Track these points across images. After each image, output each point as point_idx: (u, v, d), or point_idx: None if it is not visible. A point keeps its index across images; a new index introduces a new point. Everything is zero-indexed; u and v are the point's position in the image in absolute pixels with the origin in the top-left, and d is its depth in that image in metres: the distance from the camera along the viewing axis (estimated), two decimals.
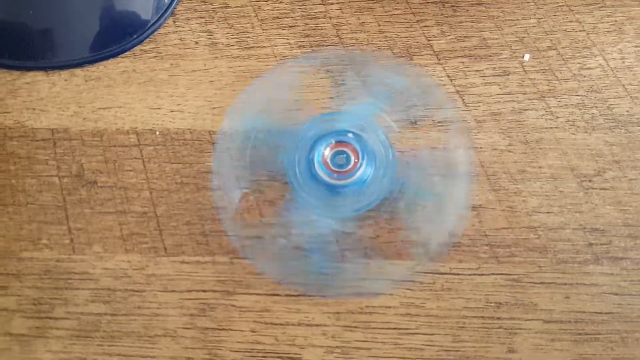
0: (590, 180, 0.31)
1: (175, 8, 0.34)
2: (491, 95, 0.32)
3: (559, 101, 0.32)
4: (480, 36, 0.33)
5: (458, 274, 0.30)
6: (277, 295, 0.30)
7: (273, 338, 0.29)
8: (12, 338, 0.30)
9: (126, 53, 0.33)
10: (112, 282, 0.30)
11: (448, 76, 0.32)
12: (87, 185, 0.32)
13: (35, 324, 0.30)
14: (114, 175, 0.32)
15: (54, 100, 0.33)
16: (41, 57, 0.33)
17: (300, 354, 0.29)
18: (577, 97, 0.32)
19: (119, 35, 0.34)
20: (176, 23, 0.34)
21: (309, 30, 0.33)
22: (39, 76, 0.33)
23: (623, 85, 0.32)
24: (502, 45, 0.33)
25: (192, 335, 0.30)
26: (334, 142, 0.29)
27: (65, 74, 0.33)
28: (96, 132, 0.32)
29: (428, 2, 0.33)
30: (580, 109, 0.32)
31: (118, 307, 0.30)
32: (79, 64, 0.33)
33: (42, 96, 0.33)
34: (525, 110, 0.32)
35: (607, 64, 0.32)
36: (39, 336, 0.30)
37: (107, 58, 0.33)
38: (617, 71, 0.32)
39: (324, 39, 0.33)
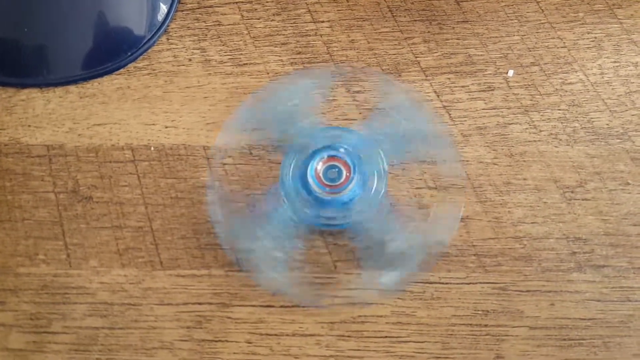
0: (572, 192, 0.32)
1: (168, 26, 0.35)
2: (477, 110, 0.33)
3: (542, 115, 0.33)
4: (466, 53, 0.34)
5: (447, 283, 0.31)
6: (272, 306, 0.31)
7: (268, 348, 0.30)
8: (10, 353, 0.30)
9: (120, 70, 0.34)
10: (109, 296, 0.31)
11: (435, 92, 0.33)
12: (83, 200, 0.32)
13: (33, 338, 0.31)
14: (110, 190, 0.32)
15: (49, 117, 0.34)
16: (36, 75, 0.34)
17: None
18: (559, 111, 0.33)
19: (113, 53, 0.34)
20: (170, 40, 0.35)
21: (300, 47, 0.34)
22: (34, 93, 0.34)
23: (603, 100, 0.33)
24: (487, 62, 0.34)
25: (189, 347, 0.30)
26: (326, 156, 0.30)
27: (60, 91, 0.34)
28: (91, 148, 0.33)
29: (415, 20, 0.35)
30: (562, 123, 0.33)
31: (115, 320, 0.31)
32: (74, 81, 0.34)
33: (37, 113, 0.34)
34: (509, 124, 0.33)
35: (588, 79, 0.34)
36: (36, 351, 0.30)
37: (101, 75, 0.34)
38: (597, 86, 0.33)
39: (315, 56, 0.34)
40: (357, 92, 0.33)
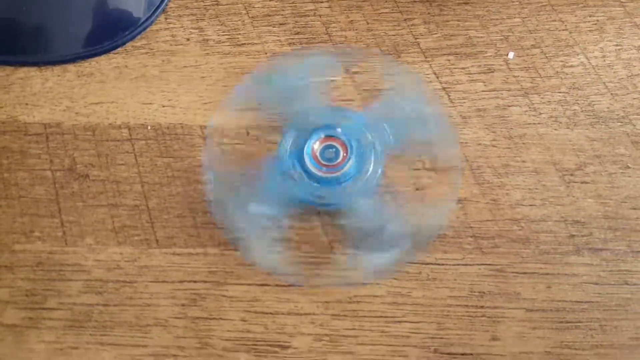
0: (571, 174, 0.32)
1: (167, 5, 0.35)
2: (476, 92, 0.33)
3: (542, 98, 0.33)
4: (466, 34, 0.34)
5: (443, 264, 0.31)
6: (267, 285, 0.30)
7: (263, 327, 0.30)
8: (5, 329, 0.31)
9: (118, 49, 0.34)
10: (104, 273, 0.31)
11: (434, 73, 0.33)
12: (80, 178, 0.32)
13: (28, 314, 0.31)
14: (106, 169, 0.32)
15: (47, 95, 0.33)
16: (34, 53, 0.34)
17: (289, 342, 0.30)
18: (559, 94, 0.33)
19: (111, 32, 0.34)
20: (168, 20, 0.34)
21: (299, 27, 0.34)
22: (31, 72, 0.34)
23: (604, 83, 0.33)
24: (487, 44, 0.34)
25: (183, 325, 0.30)
26: (323, 136, 0.30)
27: (57, 69, 0.34)
28: (88, 126, 0.33)
29: (415, 1, 0.34)
30: (562, 106, 0.33)
31: (110, 297, 0.31)
32: (72, 60, 0.34)
33: (35, 91, 0.34)
34: (509, 106, 0.33)
35: (589, 62, 0.33)
36: (31, 327, 0.30)
37: (99, 54, 0.34)
38: (598, 69, 0.33)
39: (314, 36, 0.34)
40: (356, 73, 0.33)
